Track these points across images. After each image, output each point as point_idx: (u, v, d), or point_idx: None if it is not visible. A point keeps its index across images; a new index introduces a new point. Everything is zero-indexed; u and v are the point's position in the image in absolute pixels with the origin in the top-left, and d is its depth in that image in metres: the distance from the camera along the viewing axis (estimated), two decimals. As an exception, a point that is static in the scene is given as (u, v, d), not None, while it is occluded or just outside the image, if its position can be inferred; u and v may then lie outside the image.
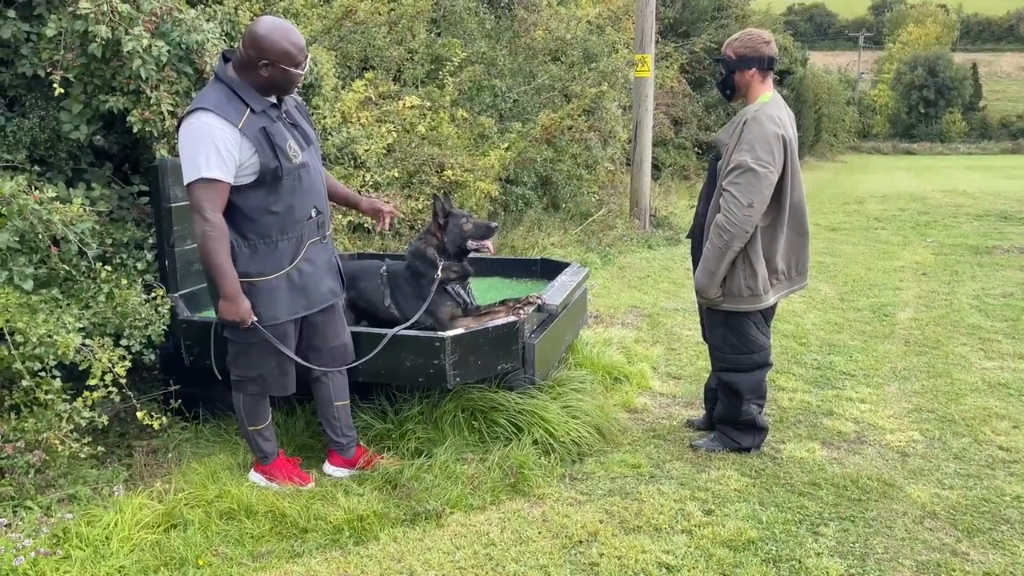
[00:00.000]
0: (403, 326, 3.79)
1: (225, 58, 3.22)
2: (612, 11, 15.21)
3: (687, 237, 4.26)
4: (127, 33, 3.82)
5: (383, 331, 3.74)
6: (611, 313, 6.76)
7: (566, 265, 5.18)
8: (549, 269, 5.26)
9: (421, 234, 4.20)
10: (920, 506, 3.50)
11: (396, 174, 6.48)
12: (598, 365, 4.94)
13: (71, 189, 4.18)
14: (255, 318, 3.23)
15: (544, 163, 9.63)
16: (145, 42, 3.84)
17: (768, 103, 3.69)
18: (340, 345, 3.62)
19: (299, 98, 3.57)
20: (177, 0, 4.09)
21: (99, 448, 3.50)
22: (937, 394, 4.91)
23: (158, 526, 3.21)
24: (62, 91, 3.90)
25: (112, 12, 3.79)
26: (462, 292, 4.09)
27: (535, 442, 3.85)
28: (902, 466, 3.91)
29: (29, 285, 3.64)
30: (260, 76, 3.12)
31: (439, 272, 4.00)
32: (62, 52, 3.93)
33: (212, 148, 3.02)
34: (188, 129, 3.07)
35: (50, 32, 3.89)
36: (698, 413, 4.51)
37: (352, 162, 6.23)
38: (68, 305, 3.82)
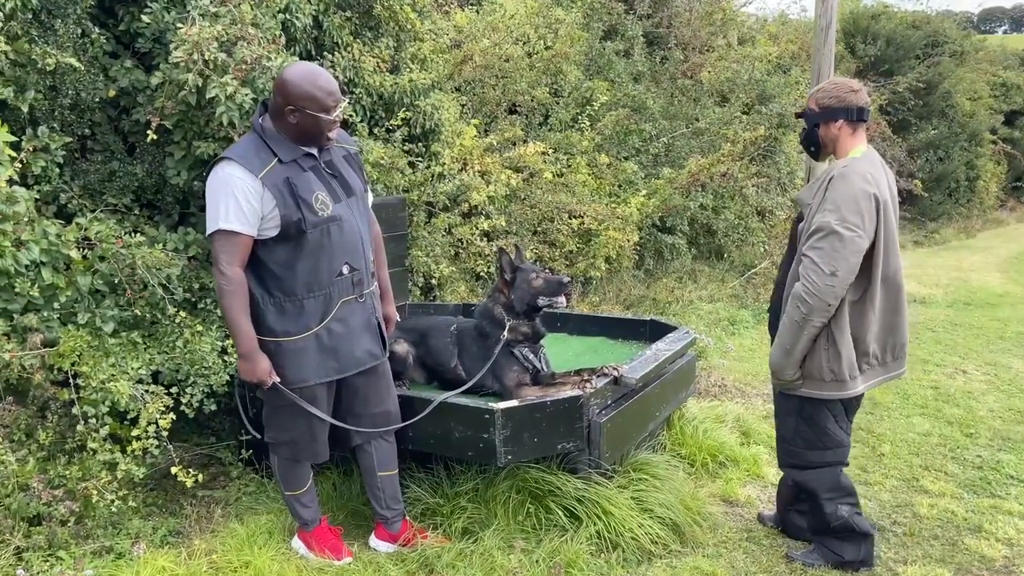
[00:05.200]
0: (448, 394, 3.48)
1: (265, 106, 3.10)
2: (801, 48, 14.27)
3: (767, 311, 3.66)
4: (213, 81, 3.85)
5: (429, 396, 3.46)
6: (744, 381, 6.05)
7: (674, 329, 4.65)
8: (658, 331, 4.75)
9: (490, 291, 3.90)
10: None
11: (504, 223, 6.19)
12: (701, 446, 4.35)
13: (169, 233, 4.28)
14: (277, 378, 3.05)
15: (700, 210, 9.02)
16: (230, 89, 3.85)
17: (859, 158, 3.10)
18: (383, 412, 3.36)
19: (354, 148, 3.38)
20: (267, 47, 4.09)
21: (130, 502, 3.42)
22: None
23: (174, 590, 3.08)
24: (155, 137, 3.99)
25: (203, 61, 3.84)
26: (531, 356, 3.72)
27: (592, 536, 3.38)
28: (1060, 615, 3.08)
29: (110, 328, 3.70)
30: (289, 123, 2.97)
31: (505, 332, 3.67)
32: (163, 100, 4.04)
33: (232, 199, 2.89)
34: (212, 179, 2.97)
35: (155, 81, 4.01)
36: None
37: (467, 208, 6.03)
38: (146, 349, 3.86)
